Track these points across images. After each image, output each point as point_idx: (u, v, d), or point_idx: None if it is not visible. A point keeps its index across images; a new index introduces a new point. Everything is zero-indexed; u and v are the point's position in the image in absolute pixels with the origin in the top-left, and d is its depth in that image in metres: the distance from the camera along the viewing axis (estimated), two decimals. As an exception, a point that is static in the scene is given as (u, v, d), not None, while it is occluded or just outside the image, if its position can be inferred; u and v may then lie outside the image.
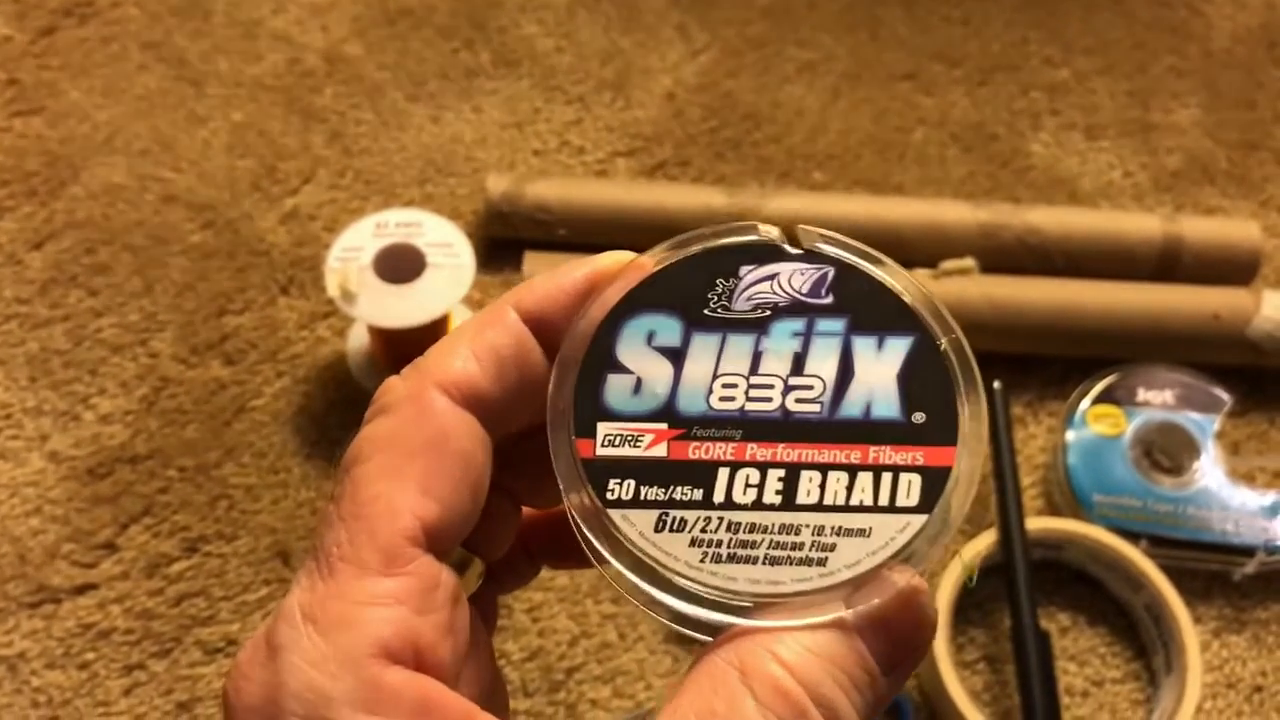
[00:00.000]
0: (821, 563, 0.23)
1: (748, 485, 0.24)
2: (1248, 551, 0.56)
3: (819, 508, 0.23)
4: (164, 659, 0.55)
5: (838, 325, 0.25)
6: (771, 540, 0.23)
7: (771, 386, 0.25)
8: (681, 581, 0.23)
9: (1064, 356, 0.64)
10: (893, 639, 0.22)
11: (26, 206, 0.68)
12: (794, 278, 0.26)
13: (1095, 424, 0.60)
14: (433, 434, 0.24)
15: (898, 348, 0.25)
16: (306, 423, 0.61)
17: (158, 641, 0.55)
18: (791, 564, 0.23)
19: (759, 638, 0.22)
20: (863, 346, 0.25)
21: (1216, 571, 0.58)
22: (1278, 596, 0.58)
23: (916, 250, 0.64)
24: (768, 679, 0.21)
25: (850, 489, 0.24)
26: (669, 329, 0.25)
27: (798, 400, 0.25)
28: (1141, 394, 0.60)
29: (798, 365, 0.25)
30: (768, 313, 0.25)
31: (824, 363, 0.25)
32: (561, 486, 0.24)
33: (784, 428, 0.24)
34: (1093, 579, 0.58)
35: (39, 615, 0.55)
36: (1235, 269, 0.65)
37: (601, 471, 0.24)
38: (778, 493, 0.24)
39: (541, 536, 0.30)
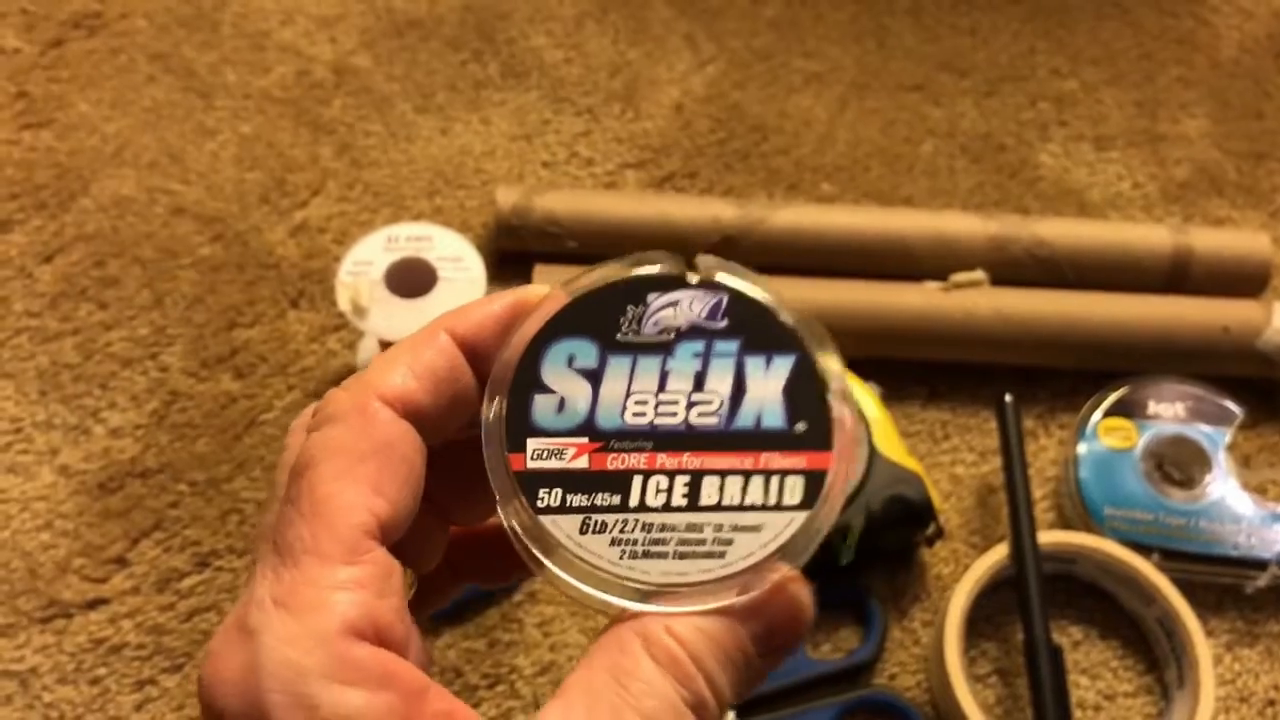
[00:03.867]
0: (721, 555, 0.27)
1: (658, 490, 0.27)
2: (1260, 565, 0.56)
3: (718, 508, 0.27)
4: (175, 674, 0.54)
5: (732, 347, 0.28)
6: (679, 538, 0.27)
7: (676, 402, 0.28)
8: (604, 576, 0.27)
9: (1074, 369, 0.63)
10: (769, 625, 0.26)
11: (36, 220, 0.68)
12: (694, 304, 0.29)
13: (1106, 437, 0.59)
14: (379, 440, 0.27)
15: (783, 366, 0.28)
16: (317, 436, 0.61)
17: (169, 657, 0.55)
18: (696, 557, 0.27)
19: (661, 616, 0.26)
20: (753, 365, 0.28)
21: (1229, 585, 0.57)
22: (1290, 609, 0.58)
23: (926, 263, 0.64)
24: (664, 647, 0.25)
25: (744, 491, 0.27)
26: (587, 352, 0.28)
27: (699, 414, 0.28)
28: (1152, 407, 0.60)
29: (699, 383, 0.28)
30: (672, 336, 0.29)
31: (721, 380, 0.28)
32: (497, 497, 0.27)
33: (688, 439, 0.28)
34: (1105, 592, 0.58)
35: (50, 630, 0.55)
36: (1245, 281, 0.65)
37: (532, 482, 0.27)
38: (684, 496, 0.27)
39: (466, 554, 0.33)
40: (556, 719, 0.25)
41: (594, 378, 0.28)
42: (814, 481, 0.27)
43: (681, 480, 0.27)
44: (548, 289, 0.29)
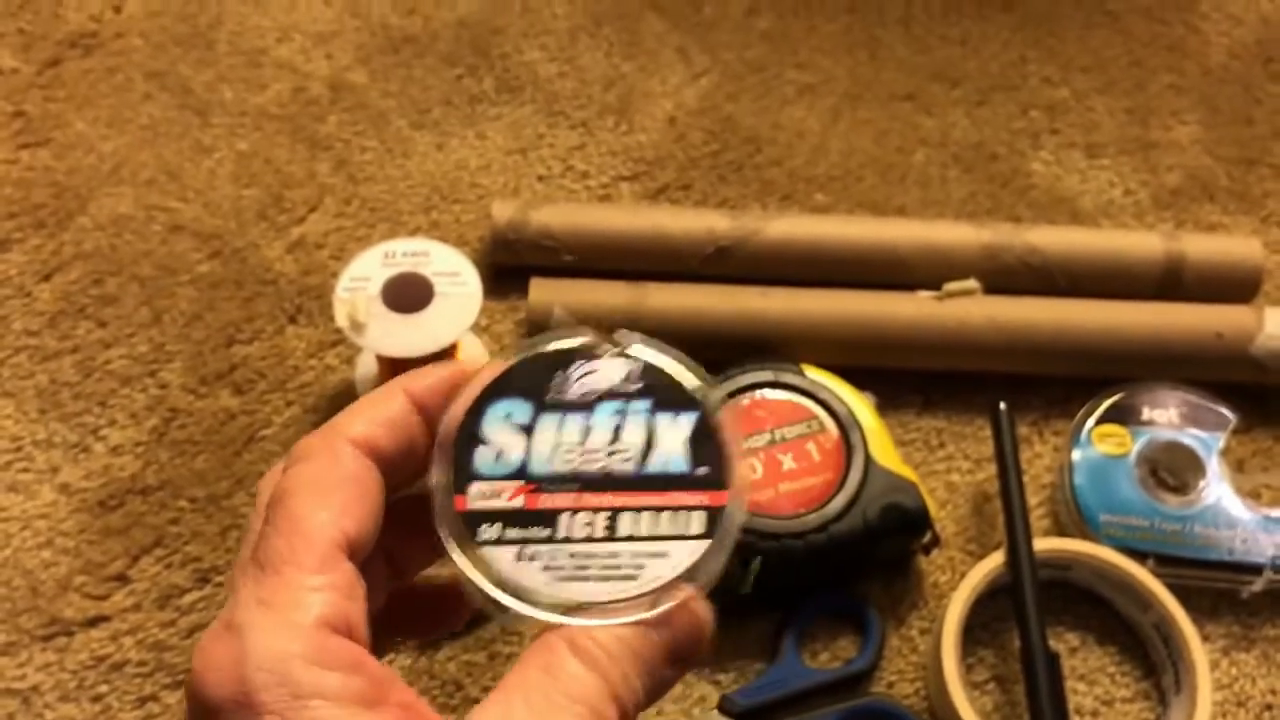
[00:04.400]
0: (635, 578, 0.31)
1: (583, 524, 0.33)
2: (1255, 569, 0.57)
3: (633, 539, 0.32)
4: (177, 690, 0.55)
5: (644, 405, 0.34)
6: (600, 564, 0.32)
7: (598, 452, 0.34)
8: (537, 598, 0.31)
9: (1068, 376, 0.64)
10: (675, 636, 0.31)
11: (34, 239, 0.69)
12: (613, 371, 0.35)
13: (1101, 444, 0.60)
14: (346, 474, 0.32)
15: (686, 422, 0.34)
16: (316, 451, 0.61)
17: (171, 673, 0.55)
18: (615, 580, 0.31)
19: (585, 627, 0.31)
20: (662, 421, 0.34)
21: (1224, 590, 0.58)
22: (1285, 613, 0.58)
23: (919, 272, 0.65)
24: (587, 650, 0.30)
25: (656, 524, 0.32)
26: (522, 411, 0.34)
27: (618, 461, 0.34)
28: (1146, 413, 0.61)
29: (616, 435, 0.34)
30: (594, 398, 0.34)
31: (635, 434, 0.34)
32: (444, 533, 0.32)
33: (608, 482, 0.33)
34: (1101, 599, 0.58)
35: (51, 648, 0.56)
36: (1237, 286, 0.65)
37: (474, 519, 0.32)
38: (605, 529, 0.32)
39: (399, 608, 0.36)
40: (496, 709, 0.29)
41: (527, 431, 0.34)
42: (713, 515, 0.33)
43: (603, 516, 0.33)
44: (489, 359, 0.33)
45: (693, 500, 0.33)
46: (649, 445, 0.34)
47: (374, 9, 0.80)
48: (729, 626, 0.57)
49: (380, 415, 0.33)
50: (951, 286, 0.63)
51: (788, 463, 0.56)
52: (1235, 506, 0.58)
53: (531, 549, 0.32)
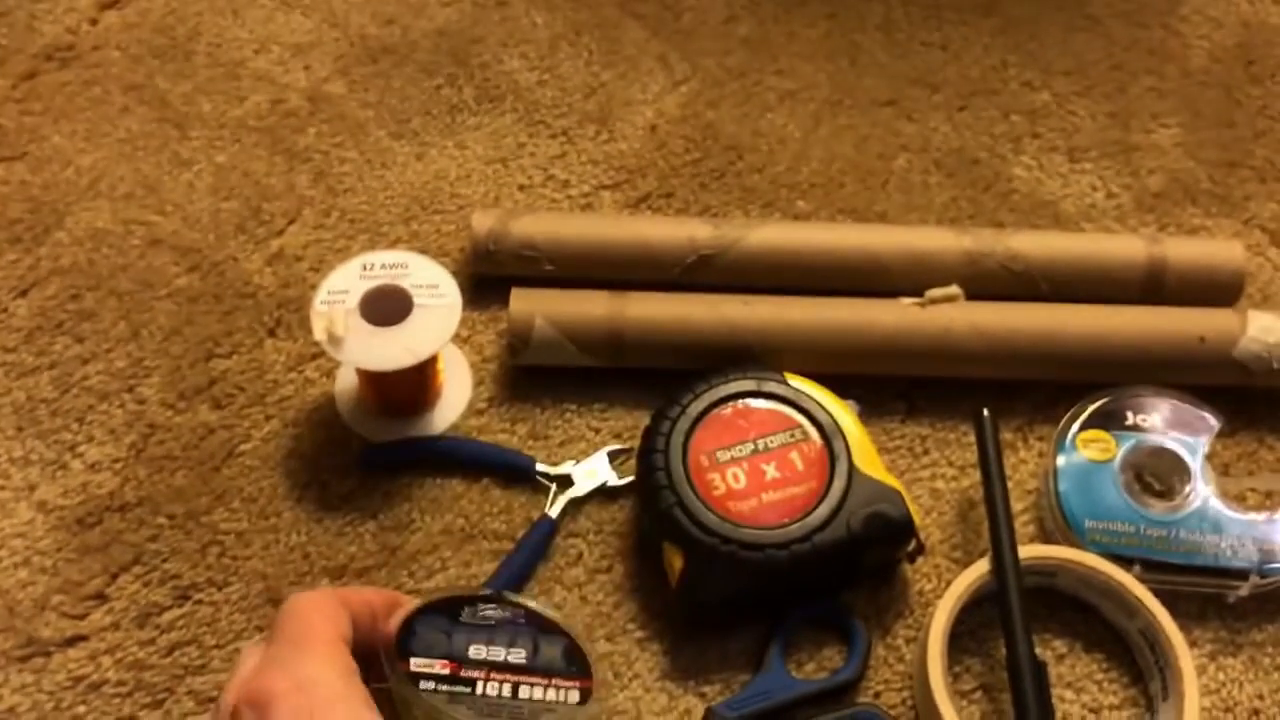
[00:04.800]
0: None
1: (495, 688, 0.47)
2: (1242, 574, 0.56)
3: (530, 700, 0.47)
4: (156, 710, 0.54)
5: (531, 629, 0.49)
6: (509, 712, 0.47)
7: (500, 651, 0.48)
8: None
9: (1052, 381, 0.64)
10: None
11: (11, 254, 0.68)
12: (505, 612, 0.49)
13: (1085, 449, 0.60)
14: (338, 609, 0.44)
15: (560, 641, 0.49)
16: (297, 466, 0.61)
17: (150, 692, 0.54)
18: None
19: None
20: (543, 639, 0.49)
21: (1211, 595, 0.57)
22: (1273, 618, 0.58)
23: (901, 279, 0.65)
24: None
25: (545, 692, 0.48)
26: (443, 625, 0.48)
27: (514, 658, 0.48)
28: (1130, 418, 0.60)
29: (511, 643, 0.49)
30: (493, 623, 0.49)
31: (526, 645, 0.49)
32: (395, 685, 0.46)
33: (509, 668, 0.48)
34: (1087, 605, 0.58)
35: (29, 669, 0.55)
36: (1220, 289, 0.65)
37: (417, 678, 0.46)
38: (510, 691, 0.47)
39: None
40: None
41: (449, 635, 0.48)
42: (584, 692, 0.48)
43: (508, 684, 0.47)
44: (417, 601, 0.48)
45: (569, 684, 0.48)
46: (535, 652, 0.49)
47: (352, 19, 0.80)
48: (713, 638, 0.56)
49: (358, 597, 0.46)
50: (934, 293, 0.63)
51: (771, 472, 0.56)
52: (1221, 511, 0.58)
53: (460, 696, 0.47)
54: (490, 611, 0.49)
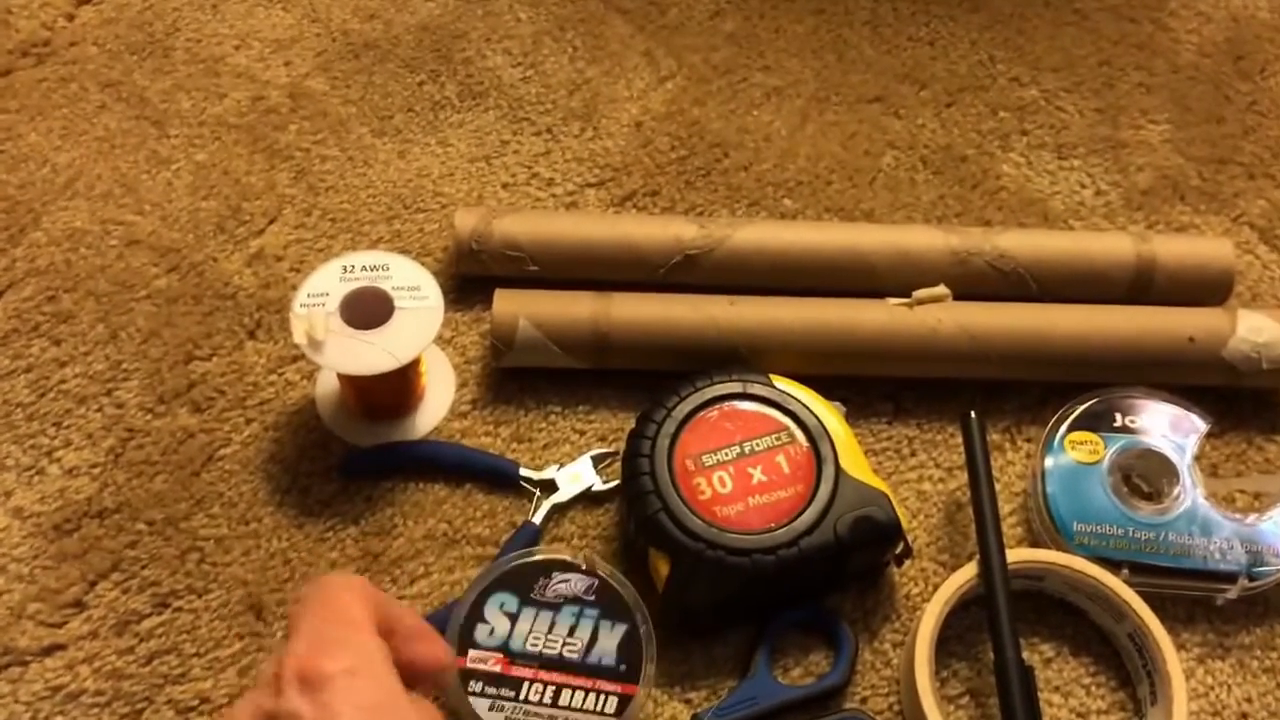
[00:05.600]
0: None
1: (537, 692, 0.51)
2: (1230, 577, 0.56)
3: (569, 708, 0.51)
4: (135, 720, 0.53)
5: (595, 613, 0.53)
6: (546, 718, 0.51)
7: (557, 640, 0.52)
8: None
9: (1040, 382, 0.63)
10: None
11: (-14, 255, 0.67)
12: (578, 583, 0.53)
13: (1073, 451, 0.59)
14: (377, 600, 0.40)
15: (620, 630, 0.53)
16: (277, 470, 0.60)
17: (128, 702, 0.54)
18: None
19: None
20: (604, 625, 0.53)
21: (1199, 597, 0.57)
22: (1261, 621, 0.57)
23: (888, 279, 0.64)
24: None
25: (585, 700, 0.51)
26: (511, 602, 0.53)
27: (567, 650, 0.52)
28: (1119, 419, 0.60)
29: (571, 631, 0.52)
30: (562, 600, 0.53)
31: (585, 632, 0.52)
32: (455, 682, 0.51)
33: (559, 664, 0.52)
34: (1075, 609, 0.57)
35: (4, 679, 0.54)
36: (1209, 288, 0.65)
37: (468, 676, 0.51)
38: (551, 697, 0.51)
39: None
40: None
41: (513, 619, 0.53)
42: (624, 701, 0.51)
43: (550, 688, 0.51)
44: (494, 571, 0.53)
45: (612, 688, 0.52)
46: (592, 642, 0.52)
47: (334, 14, 0.79)
48: (699, 643, 0.56)
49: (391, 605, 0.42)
50: (922, 293, 0.63)
51: (757, 475, 0.55)
52: (1209, 513, 0.57)
53: (500, 703, 0.51)
54: (562, 586, 0.53)
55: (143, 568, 0.57)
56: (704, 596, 0.55)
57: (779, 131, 0.75)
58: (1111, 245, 0.65)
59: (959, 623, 0.56)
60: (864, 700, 0.55)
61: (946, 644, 0.56)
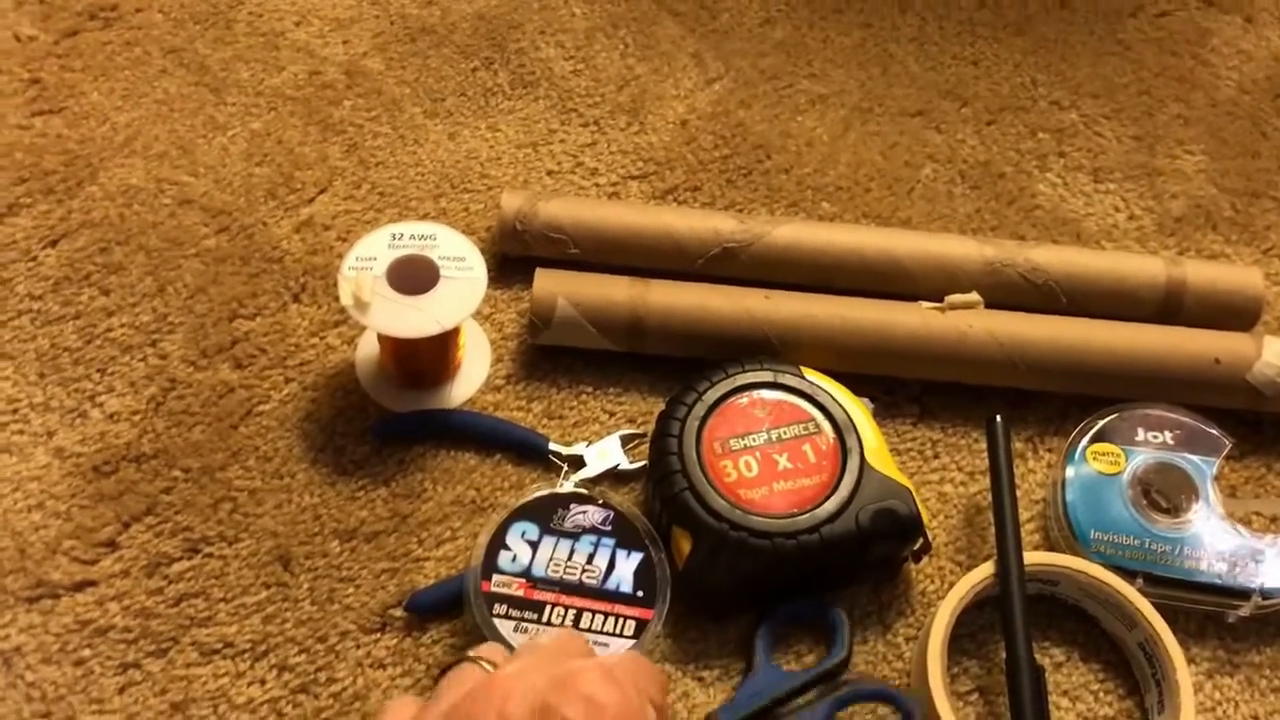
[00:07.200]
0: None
1: (560, 615, 0.54)
2: (1244, 594, 0.57)
3: (588, 630, 0.53)
4: (160, 659, 0.55)
5: (611, 542, 0.56)
6: None
7: (576, 568, 0.55)
8: None
9: (1065, 394, 0.64)
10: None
11: (43, 204, 0.69)
12: (595, 514, 0.56)
13: (1094, 462, 0.60)
14: None
15: (636, 557, 0.55)
16: (313, 429, 0.61)
17: (155, 641, 0.55)
18: None
19: None
20: (620, 554, 0.55)
21: (1211, 613, 0.58)
22: (1272, 640, 0.58)
23: (922, 283, 0.65)
24: None
25: (605, 623, 0.53)
26: (533, 531, 0.55)
27: (586, 577, 0.55)
28: (1141, 434, 0.61)
29: (589, 559, 0.55)
30: (580, 530, 0.56)
31: (602, 560, 0.55)
32: (473, 605, 0.53)
33: (577, 589, 0.54)
34: (1088, 615, 0.58)
35: (36, 610, 0.55)
36: (1237, 314, 0.66)
37: (492, 600, 0.54)
38: (571, 621, 0.53)
39: None
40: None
41: (534, 546, 0.55)
42: (641, 624, 0.54)
43: (571, 612, 0.54)
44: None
45: (629, 613, 0.54)
46: (610, 570, 0.55)
47: (393, -2, 0.81)
48: (715, 625, 0.57)
49: None
50: (954, 299, 0.64)
51: (783, 462, 0.56)
52: (1226, 531, 0.58)
53: (524, 625, 0.53)
54: (580, 517, 0.56)
55: (176, 513, 0.59)
56: (724, 576, 0.55)
57: (821, 138, 0.76)
58: (1143, 266, 0.66)
59: (972, 622, 0.57)
60: (874, 690, 0.56)
61: (959, 642, 0.56)
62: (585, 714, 0.37)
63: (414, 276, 0.59)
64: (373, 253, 0.59)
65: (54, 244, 0.67)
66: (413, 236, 0.60)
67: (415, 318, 0.58)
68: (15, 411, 0.61)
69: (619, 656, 0.45)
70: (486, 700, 0.37)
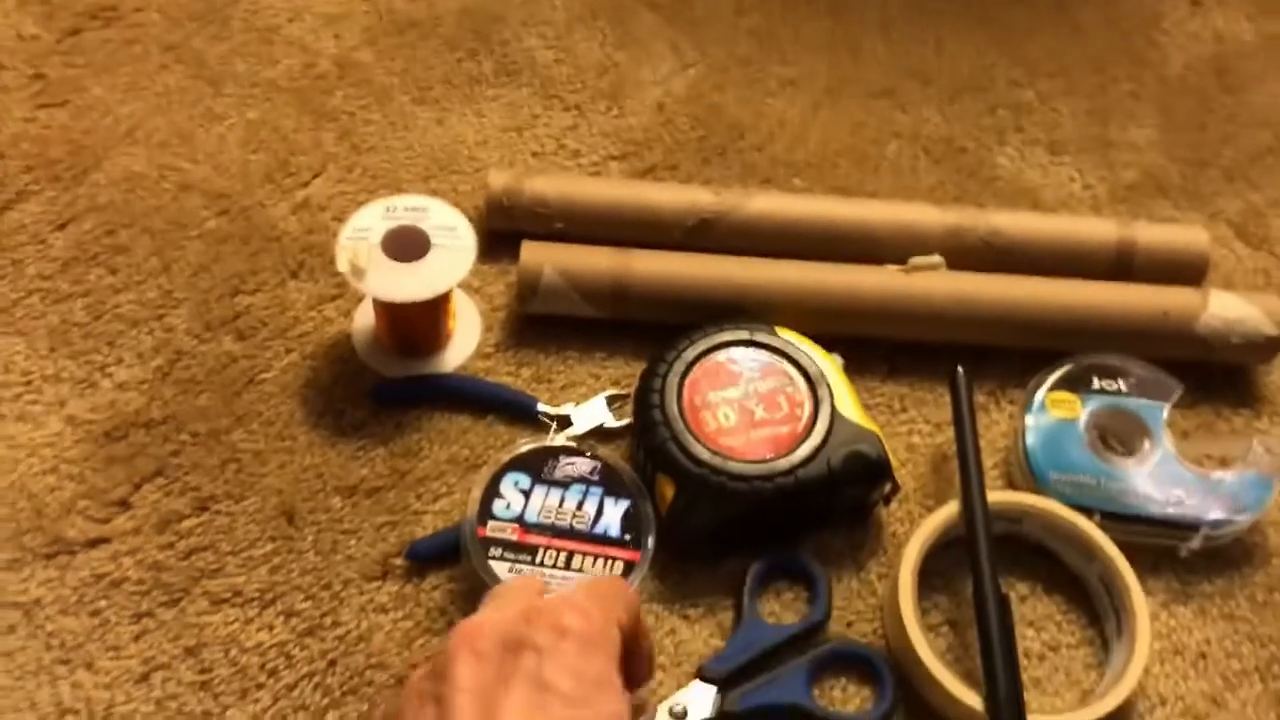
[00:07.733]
0: None
1: (552, 558, 0.56)
2: (1194, 527, 0.60)
3: (580, 570, 0.56)
4: (173, 608, 0.57)
5: (599, 490, 0.59)
6: (558, 583, 0.56)
7: (566, 514, 0.58)
8: None
9: (1024, 349, 0.68)
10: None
11: (50, 190, 0.72)
12: (584, 465, 0.59)
13: (1053, 409, 0.64)
14: None
15: (623, 504, 0.58)
16: (313, 395, 0.65)
17: (167, 591, 0.58)
18: None
19: None
20: (608, 502, 0.58)
21: (1164, 548, 0.61)
22: (1221, 573, 0.62)
23: (888, 249, 0.69)
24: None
25: (595, 565, 0.56)
26: (524, 480, 0.59)
27: (576, 522, 0.58)
28: (1096, 382, 0.64)
29: (579, 506, 0.58)
30: (570, 479, 0.59)
31: (591, 506, 0.58)
32: (470, 550, 0.57)
33: (569, 534, 0.57)
34: (1049, 552, 0.61)
35: (54, 565, 0.58)
36: (1185, 271, 0.70)
37: (488, 544, 0.57)
38: (564, 562, 0.56)
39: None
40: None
41: (526, 495, 0.58)
42: (629, 566, 0.57)
43: (563, 554, 0.56)
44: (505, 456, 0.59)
45: (618, 554, 0.57)
46: (598, 515, 0.58)
47: (381, -6, 0.85)
48: (694, 569, 0.60)
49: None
50: (917, 261, 0.67)
51: (759, 412, 0.60)
52: (1177, 469, 0.62)
53: (519, 568, 0.56)
54: (569, 468, 0.59)
55: (185, 474, 0.62)
56: (706, 520, 0.59)
57: (792, 118, 0.80)
58: (1096, 228, 0.70)
59: (939, 561, 0.60)
60: (849, 624, 0.59)
61: (928, 578, 0.60)
62: (552, 640, 0.40)
63: (407, 245, 0.62)
64: (368, 224, 0.63)
65: (62, 227, 0.70)
66: (406, 208, 0.64)
67: (409, 282, 0.61)
68: (29, 383, 0.64)
69: (587, 582, 0.49)
70: (459, 641, 0.40)
